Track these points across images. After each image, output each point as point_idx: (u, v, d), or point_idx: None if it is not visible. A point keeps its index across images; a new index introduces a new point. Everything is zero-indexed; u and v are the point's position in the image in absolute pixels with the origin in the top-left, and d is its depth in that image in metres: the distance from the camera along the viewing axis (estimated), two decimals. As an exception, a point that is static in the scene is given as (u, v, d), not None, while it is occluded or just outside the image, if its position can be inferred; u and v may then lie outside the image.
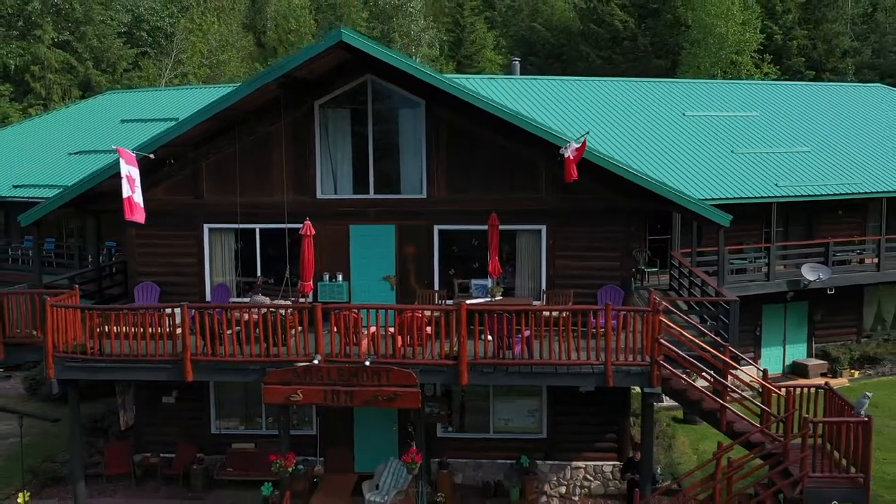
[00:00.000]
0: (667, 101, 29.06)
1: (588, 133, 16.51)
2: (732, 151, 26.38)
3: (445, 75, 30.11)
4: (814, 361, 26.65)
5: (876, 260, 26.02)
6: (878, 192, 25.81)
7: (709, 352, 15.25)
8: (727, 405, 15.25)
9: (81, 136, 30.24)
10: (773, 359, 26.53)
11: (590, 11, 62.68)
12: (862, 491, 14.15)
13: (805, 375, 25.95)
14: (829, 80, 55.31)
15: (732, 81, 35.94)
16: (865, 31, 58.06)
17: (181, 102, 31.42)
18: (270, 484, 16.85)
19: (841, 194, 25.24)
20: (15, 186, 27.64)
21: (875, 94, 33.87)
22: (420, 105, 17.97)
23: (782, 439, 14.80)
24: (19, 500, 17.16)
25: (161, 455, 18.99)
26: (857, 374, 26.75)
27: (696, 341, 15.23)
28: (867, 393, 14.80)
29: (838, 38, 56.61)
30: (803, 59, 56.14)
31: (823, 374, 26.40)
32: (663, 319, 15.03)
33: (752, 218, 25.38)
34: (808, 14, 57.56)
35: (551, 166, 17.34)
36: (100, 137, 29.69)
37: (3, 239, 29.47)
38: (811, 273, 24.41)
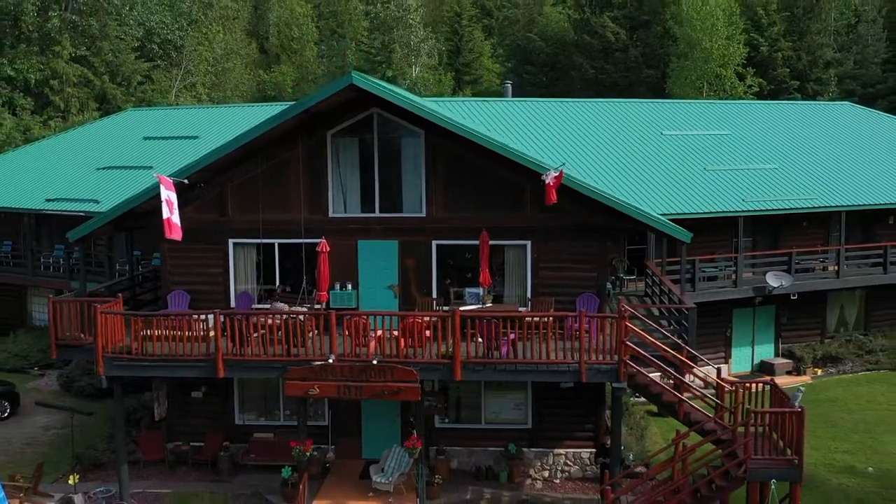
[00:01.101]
0: (646, 121, 31.52)
1: (564, 164, 18.93)
2: (705, 168, 28.83)
3: (443, 99, 32.59)
4: (780, 360, 29.12)
5: (836, 268, 28.47)
6: (837, 206, 28.26)
7: (669, 352, 17.70)
8: (683, 398, 17.71)
9: (107, 152, 32.64)
10: (742, 358, 29.00)
11: (583, 23, 64.95)
12: (796, 470, 16.55)
13: (772, 373, 28.33)
14: (813, 90, 57.80)
15: (708, 101, 38.35)
16: (848, 42, 60.29)
17: (198, 120, 33.95)
18: (290, 468, 19.27)
19: (801, 209, 27.70)
20: (48, 200, 30.01)
21: (842, 111, 36.30)
22: (420, 135, 20.39)
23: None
24: (70, 481, 19.61)
25: (191, 443, 21.41)
26: (819, 372, 29.18)
27: (658, 343, 17.68)
28: (800, 387, 17.22)
29: (822, 50, 58.83)
30: (788, 70, 58.46)
31: (789, 373, 28.91)
32: (629, 324, 17.49)
33: (723, 229, 27.77)
34: (793, 26, 59.86)
35: (535, 189, 19.68)
36: (124, 153, 32.16)
37: (35, 247, 31.84)
38: (775, 280, 26.88)
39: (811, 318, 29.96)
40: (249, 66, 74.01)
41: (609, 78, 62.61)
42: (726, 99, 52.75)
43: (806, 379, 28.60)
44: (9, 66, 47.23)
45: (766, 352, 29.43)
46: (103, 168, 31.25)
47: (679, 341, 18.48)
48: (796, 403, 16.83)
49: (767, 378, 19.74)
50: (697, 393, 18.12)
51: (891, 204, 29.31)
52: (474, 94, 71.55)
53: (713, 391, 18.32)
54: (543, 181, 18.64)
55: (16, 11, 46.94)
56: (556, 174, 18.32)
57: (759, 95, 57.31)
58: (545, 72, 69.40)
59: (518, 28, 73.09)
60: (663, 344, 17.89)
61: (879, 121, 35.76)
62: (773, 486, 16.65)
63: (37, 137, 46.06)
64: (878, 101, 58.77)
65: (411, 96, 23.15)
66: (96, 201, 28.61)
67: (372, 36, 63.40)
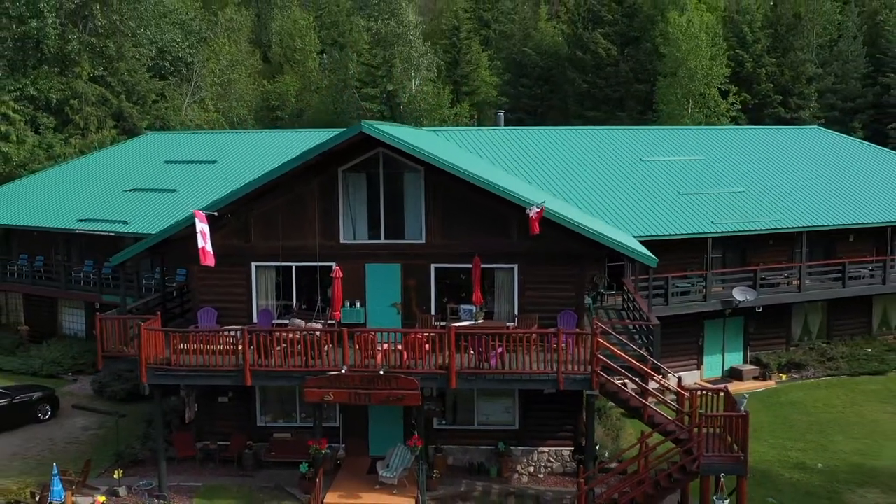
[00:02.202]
0: (627, 148, 34.32)
1: (545, 201, 21.70)
2: (679, 193, 31.66)
3: (442, 129, 35.30)
4: (748, 367, 31.97)
5: (798, 282, 31.34)
6: (798, 227, 31.12)
7: (635, 364, 20.53)
8: (647, 403, 20.56)
9: (132, 175, 35.42)
10: (713, 365, 31.84)
11: (576, 38, 67.65)
12: (742, 465, 19.38)
13: (740, 379, 31.30)
14: (796, 105, 60.58)
15: (685, 127, 41.16)
16: (829, 58, 63.02)
17: (215, 145, 36.80)
18: (307, 464, 22.09)
19: (765, 230, 30.57)
20: (80, 220, 32.78)
21: (812, 135, 39.13)
22: (420, 171, 23.19)
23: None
24: (114, 475, 22.44)
25: (218, 443, 24.19)
26: (784, 377, 31.99)
27: (624, 356, 20.52)
28: (745, 394, 20.01)
29: (804, 66, 61.61)
30: (772, 86, 61.27)
31: (756, 378, 31.74)
32: (600, 340, 20.33)
33: (695, 248, 30.54)
34: (777, 43, 62.69)
35: (521, 219, 22.38)
36: (148, 176, 34.97)
37: (66, 263, 34.60)
38: (740, 295, 29.73)
39: (777, 328, 32.79)
40: (253, 76, 76.66)
41: (601, 92, 65.35)
42: (710, 115, 55.65)
43: (771, 384, 31.43)
44: (31, 86, 50.08)
45: (735, 359, 32.27)
46: (130, 190, 34.00)
47: (645, 353, 21.34)
48: (742, 408, 19.67)
49: (721, 385, 22.55)
50: (661, 399, 20.99)
51: (850, 224, 32.17)
52: (472, 105, 74.42)
53: (675, 397, 21.17)
54: (528, 214, 21.46)
55: (38, 35, 49.76)
56: (538, 209, 21.14)
57: (744, 109, 60.15)
58: (540, 84, 72.08)
59: (514, 42, 75.81)
60: (630, 356, 20.75)
61: (846, 144, 38.59)
62: (722, 479, 19.48)
63: (58, 154, 48.97)
64: (858, 115, 61.60)
65: (412, 134, 25.86)
66: (125, 222, 31.43)
67: (373, 51, 66.03)
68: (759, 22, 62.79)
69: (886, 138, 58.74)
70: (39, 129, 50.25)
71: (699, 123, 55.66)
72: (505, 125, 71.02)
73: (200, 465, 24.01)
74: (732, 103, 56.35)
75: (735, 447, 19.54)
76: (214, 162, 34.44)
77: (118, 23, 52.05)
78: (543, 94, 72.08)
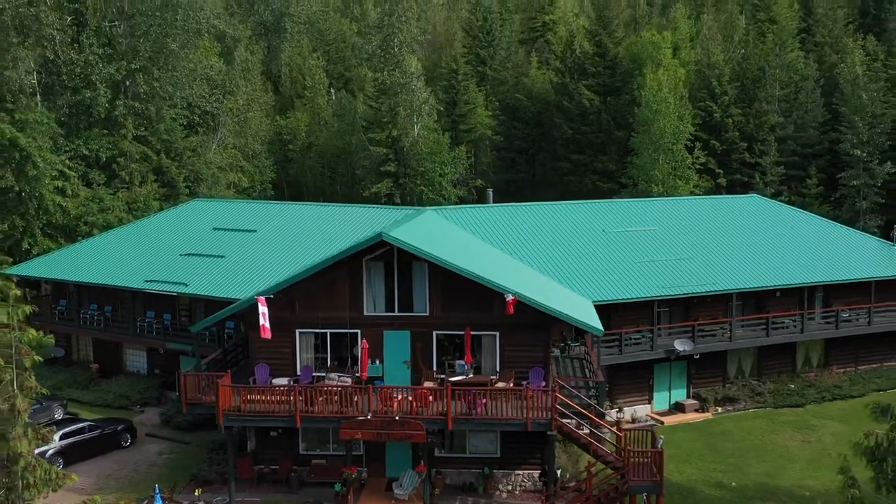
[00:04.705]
0: (592, 221, 41.50)
1: (517, 293, 28.96)
2: (634, 261, 38.91)
3: (442, 208, 42.46)
4: (690, 401, 39.29)
5: (729, 333, 38.76)
6: (731, 289, 38.47)
7: (583, 411, 27.90)
8: (593, 441, 27.94)
9: (186, 239, 42.52)
10: (661, 400, 39.15)
11: (563, 87, 75.04)
12: (658, 486, 26.73)
13: (683, 411, 38.64)
14: (760, 151, 67.67)
15: (644, 199, 48.39)
16: (790, 107, 70.14)
17: (253, 214, 44.10)
18: (340, 484, 29.39)
19: (703, 292, 37.89)
20: (147, 281, 39.98)
21: (751, 203, 46.46)
22: (425, 262, 30.48)
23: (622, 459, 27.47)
24: (196, 493, 29.77)
25: (270, 467, 31.50)
26: (720, 409, 39.27)
27: (576, 406, 27.87)
28: (661, 436, 27.37)
29: (767, 115, 68.81)
30: (738, 133, 68.53)
31: (696, 410, 39.04)
32: (558, 394, 27.68)
33: (646, 306, 37.73)
34: (743, 94, 69.96)
35: (501, 299, 29.64)
36: (200, 242, 42.18)
37: (131, 314, 41.75)
38: (680, 345, 37.11)
39: (715, 368, 40.07)
40: (266, 111, 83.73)
41: (585, 138, 72.68)
42: (677, 167, 62.96)
43: (708, 415, 38.72)
44: (84, 146, 57.51)
45: (680, 394, 39.59)
46: (185, 255, 41.17)
47: (593, 402, 28.71)
48: (659, 445, 27.05)
49: (647, 426, 29.96)
50: (603, 437, 28.36)
51: (774, 286, 39.51)
52: (468, 143, 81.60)
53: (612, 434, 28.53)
54: (505, 298, 28.81)
55: (91, 104, 57.25)
56: (512, 297, 28.50)
57: (712, 154, 67.32)
58: (531, 127, 79.29)
59: (507, 88, 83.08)
60: (581, 405, 28.12)
61: (778, 211, 45.92)
62: (644, 497, 26.84)
63: (108, 206, 56.37)
64: (816, 161, 68.73)
65: (420, 229, 33.17)
66: (185, 284, 38.71)
67: (379, 100, 72.99)
68: (727, 76, 69.97)
69: (836, 183, 66.00)
70: (91, 184, 57.60)
71: (668, 174, 63.01)
72: (499, 160, 78.69)
73: (256, 485, 31.27)
74: (697, 157, 63.72)
75: (654, 468, 26.93)
76: (255, 231, 41.69)
77: (158, 88, 59.41)
78: (534, 137, 79.33)
